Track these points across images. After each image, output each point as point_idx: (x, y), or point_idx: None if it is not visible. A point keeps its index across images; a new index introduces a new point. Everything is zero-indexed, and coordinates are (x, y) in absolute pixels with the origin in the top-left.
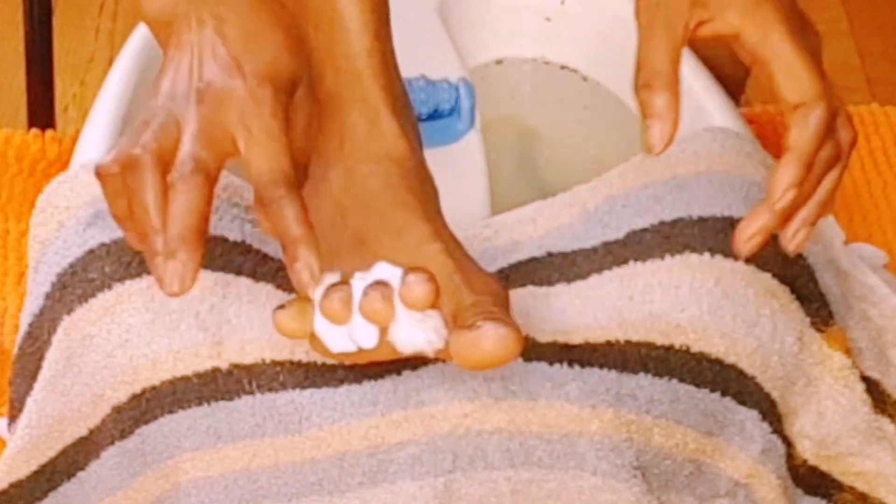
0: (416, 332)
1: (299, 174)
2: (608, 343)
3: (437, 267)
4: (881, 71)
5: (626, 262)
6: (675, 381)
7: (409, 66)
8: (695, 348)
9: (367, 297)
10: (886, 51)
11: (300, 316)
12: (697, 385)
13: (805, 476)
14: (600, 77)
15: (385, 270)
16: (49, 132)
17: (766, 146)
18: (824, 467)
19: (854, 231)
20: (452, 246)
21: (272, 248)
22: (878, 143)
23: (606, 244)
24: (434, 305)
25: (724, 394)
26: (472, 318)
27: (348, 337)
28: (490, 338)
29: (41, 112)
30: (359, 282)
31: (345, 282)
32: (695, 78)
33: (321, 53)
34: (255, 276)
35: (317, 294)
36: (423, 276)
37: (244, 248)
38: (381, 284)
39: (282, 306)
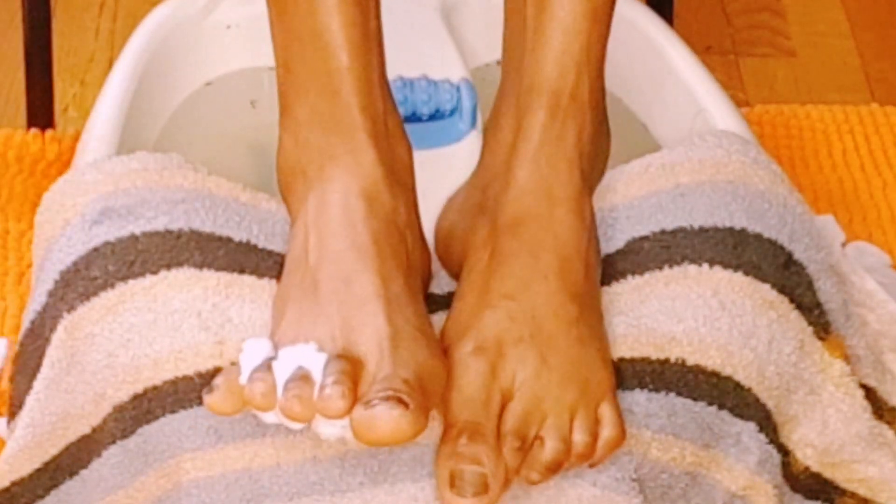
0: (335, 429)
1: None
2: None
3: (370, 330)
4: (881, 71)
5: (623, 276)
6: (672, 394)
7: (411, 67)
8: (690, 361)
9: (286, 397)
10: (886, 51)
11: (230, 396)
12: (694, 398)
13: (806, 482)
14: None
15: (307, 356)
16: (49, 132)
17: (766, 147)
18: (828, 474)
19: (854, 231)
20: (396, 307)
21: (278, 245)
22: (878, 143)
23: (607, 257)
24: (356, 382)
25: (720, 407)
26: (373, 395)
27: (275, 416)
28: (382, 418)
29: (40, 112)
30: (282, 364)
31: (269, 364)
32: (696, 79)
33: (305, 68)
34: (258, 272)
35: (243, 374)
36: (340, 389)
37: (249, 248)
38: (301, 381)
39: (210, 389)
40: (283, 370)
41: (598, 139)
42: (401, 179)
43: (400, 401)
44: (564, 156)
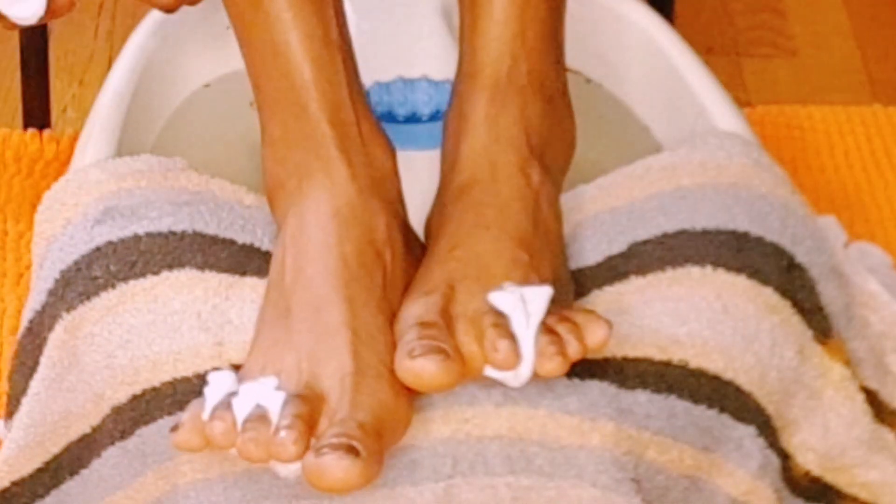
0: (291, 470)
1: None
2: (605, 360)
3: (335, 364)
4: (882, 71)
5: (626, 276)
6: (673, 396)
7: (412, 67)
8: (693, 364)
9: (242, 438)
10: (887, 51)
11: (195, 434)
12: (695, 401)
13: (808, 487)
14: (603, 80)
15: (266, 394)
16: (47, 132)
17: (768, 147)
18: (829, 479)
19: (855, 231)
20: (364, 339)
21: None
22: (880, 144)
23: (609, 258)
24: (313, 423)
25: (721, 410)
26: (324, 442)
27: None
28: (331, 468)
29: (36, 112)
30: (241, 402)
31: (229, 401)
32: (697, 80)
33: (271, 85)
34: (260, 273)
35: (206, 409)
36: (293, 435)
37: (252, 250)
38: (258, 421)
39: (175, 427)
40: (242, 408)
41: (549, 120)
42: (380, 190)
43: (350, 449)
44: (507, 132)
